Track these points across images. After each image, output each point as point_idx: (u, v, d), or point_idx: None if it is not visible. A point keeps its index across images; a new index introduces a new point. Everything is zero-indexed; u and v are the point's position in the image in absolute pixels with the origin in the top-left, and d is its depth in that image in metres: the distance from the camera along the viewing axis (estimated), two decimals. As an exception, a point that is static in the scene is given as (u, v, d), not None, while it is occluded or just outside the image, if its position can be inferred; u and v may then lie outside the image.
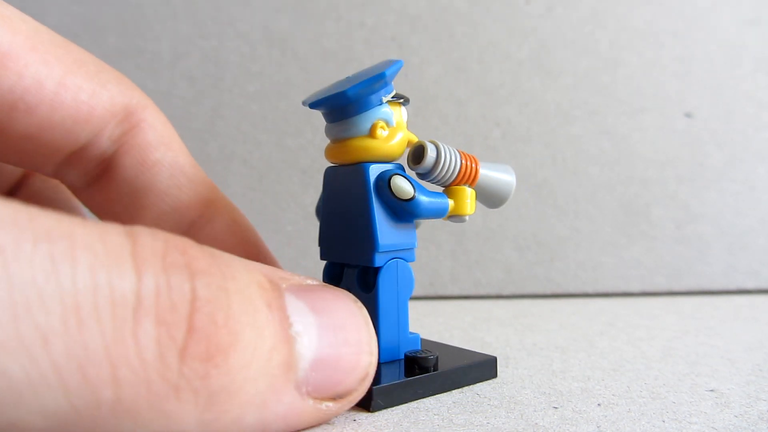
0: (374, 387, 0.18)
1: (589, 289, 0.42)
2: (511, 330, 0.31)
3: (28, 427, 0.10)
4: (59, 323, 0.10)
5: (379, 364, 0.20)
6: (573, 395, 0.20)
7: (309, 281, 0.16)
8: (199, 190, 0.22)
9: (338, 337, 0.15)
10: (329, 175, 0.23)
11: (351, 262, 0.22)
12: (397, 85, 0.22)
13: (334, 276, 0.23)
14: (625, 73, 0.43)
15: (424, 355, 0.21)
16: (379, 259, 0.21)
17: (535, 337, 0.29)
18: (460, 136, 0.42)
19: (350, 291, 0.21)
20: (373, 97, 0.21)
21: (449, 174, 0.22)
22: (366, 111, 0.21)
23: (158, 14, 0.41)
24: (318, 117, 0.43)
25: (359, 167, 0.21)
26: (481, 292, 0.43)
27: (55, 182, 0.23)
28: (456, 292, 0.42)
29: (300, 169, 0.42)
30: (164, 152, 0.21)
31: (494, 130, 0.42)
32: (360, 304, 0.17)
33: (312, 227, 0.41)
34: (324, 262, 0.23)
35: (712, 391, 0.21)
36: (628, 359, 0.25)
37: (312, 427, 0.14)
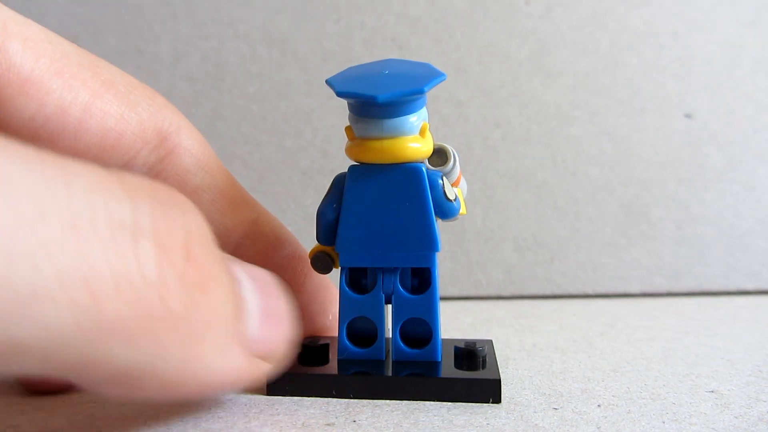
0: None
1: (589, 290, 0.42)
2: (511, 331, 0.31)
3: (30, 343, 0.10)
4: (60, 235, 0.10)
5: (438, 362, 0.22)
6: (573, 396, 0.20)
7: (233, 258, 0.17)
8: (242, 212, 0.21)
9: (270, 303, 0.16)
10: (358, 174, 0.21)
11: (394, 264, 0.21)
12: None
13: (358, 281, 0.22)
14: (625, 74, 0.43)
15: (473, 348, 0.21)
16: (434, 260, 0.22)
17: (535, 338, 0.29)
18: (460, 137, 0.42)
19: (387, 295, 0.22)
20: (425, 97, 0.21)
21: (455, 175, 0.22)
22: (419, 110, 0.21)
23: (158, 15, 0.41)
24: (318, 117, 0.43)
25: (412, 167, 0.21)
26: (481, 293, 0.43)
27: None
28: (456, 293, 0.42)
29: (300, 170, 0.42)
30: (203, 177, 0.20)
31: (494, 130, 0.42)
32: (280, 279, 0.17)
33: (313, 228, 0.41)
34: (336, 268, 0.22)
35: (712, 392, 0.21)
36: (628, 360, 0.25)
37: (246, 383, 0.15)
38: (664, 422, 0.18)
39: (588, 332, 0.31)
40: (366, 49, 0.43)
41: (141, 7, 0.41)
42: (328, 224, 0.21)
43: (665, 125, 0.43)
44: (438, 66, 0.46)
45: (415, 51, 0.43)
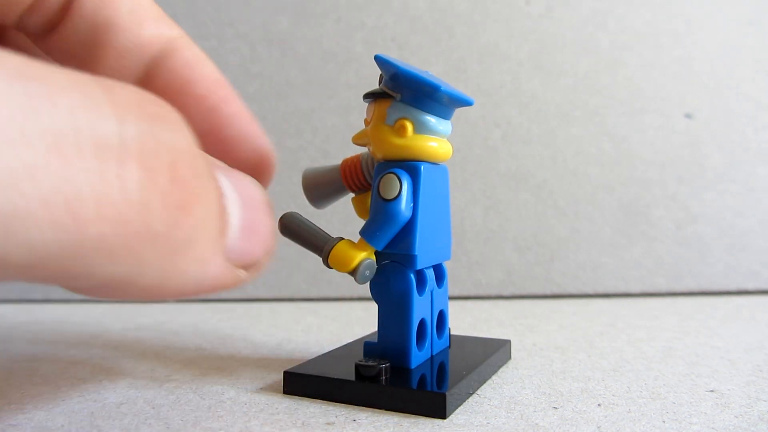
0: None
1: (589, 290, 0.42)
2: (511, 330, 0.31)
3: (14, 260, 0.10)
4: (44, 159, 0.10)
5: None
6: (573, 396, 0.20)
7: (220, 163, 0.17)
8: (159, 26, 0.21)
9: (253, 215, 0.16)
10: (428, 172, 0.20)
11: (440, 261, 0.22)
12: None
13: (422, 281, 0.21)
14: (625, 74, 0.43)
15: None
16: None
17: (535, 338, 0.29)
18: (460, 137, 0.42)
19: (430, 291, 0.22)
20: None
21: None
22: None
23: (158, 15, 0.41)
24: (318, 117, 0.43)
25: (444, 166, 0.22)
26: (482, 292, 0.43)
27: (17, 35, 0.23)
28: (456, 292, 0.42)
29: (300, 170, 0.42)
30: None
31: (494, 130, 0.42)
32: (263, 189, 0.17)
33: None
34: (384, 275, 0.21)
35: (712, 391, 0.21)
36: (628, 360, 0.25)
37: (226, 289, 0.16)
38: (664, 422, 0.18)
39: (588, 332, 0.31)
40: (366, 49, 0.43)
41: (141, 7, 0.41)
42: (403, 224, 0.20)
43: (665, 125, 0.43)
44: (438, 66, 0.46)
45: (415, 51, 0.43)
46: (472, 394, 0.21)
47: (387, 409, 0.19)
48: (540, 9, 0.43)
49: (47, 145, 0.10)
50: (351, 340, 0.29)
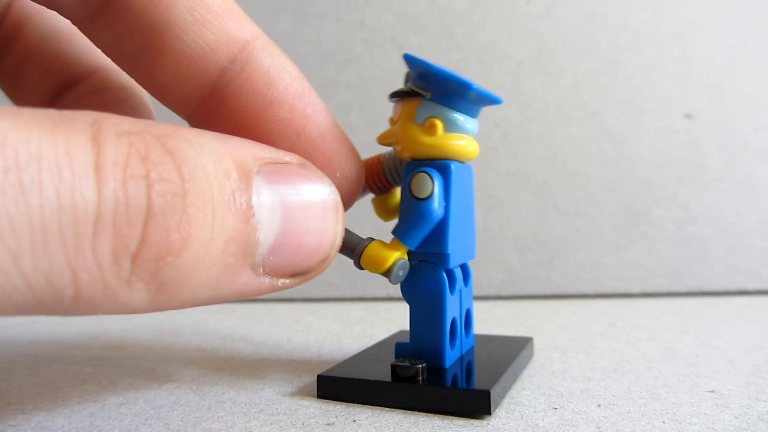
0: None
1: (590, 290, 0.42)
2: (511, 331, 0.31)
3: (3, 312, 0.12)
4: (28, 245, 0.11)
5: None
6: (573, 396, 0.20)
7: (287, 158, 0.16)
8: (229, 27, 0.17)
9: (302, 224, 0.15)
10: (458, 171, 0.20)
11: (467, 259, 0.22)
12: (397, 86, 0.21)
13: (452, 280, 0.21)
14: (625, 74, 0.43)
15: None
16: None
17: (535, 338, 0.29)
18: (460, 137, 0.42)
19: (459, 290, 0.22)
20: None
21: None
22: None
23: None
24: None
25: (470, 165, 0.22)
26: (482, 293, 0.43)
27: (51, 14, 0.21)
28: (456, 292, 0.42)
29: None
30: None
31: (494, 131, 0.42)
32: (334, 187, 0.16)
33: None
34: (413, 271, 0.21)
35: (712, 392, 0.21)
36: (628, 360, 0.25)
37: (264, 294, 0.15)
38: (664, 422, 0.18)
39: (588, 332, 0.31)
40: (366, 49, 0.43)
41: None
42: (436, 223, 0.20)
43: (665, 125, 0.43)
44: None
45: (415, 51, 0.43)
46: (509, 391, 0.21)
47: (426, 411, 0.19)
48: (540, 9, 0.43)
49: (32, 233, 0.11)
50: (352, 341, 0.29)
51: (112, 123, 0.13)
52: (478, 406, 0.18)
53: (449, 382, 0.19)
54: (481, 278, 0.42)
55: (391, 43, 0.43)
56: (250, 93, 0.18)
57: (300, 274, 0.16)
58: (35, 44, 0.22)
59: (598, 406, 0.19)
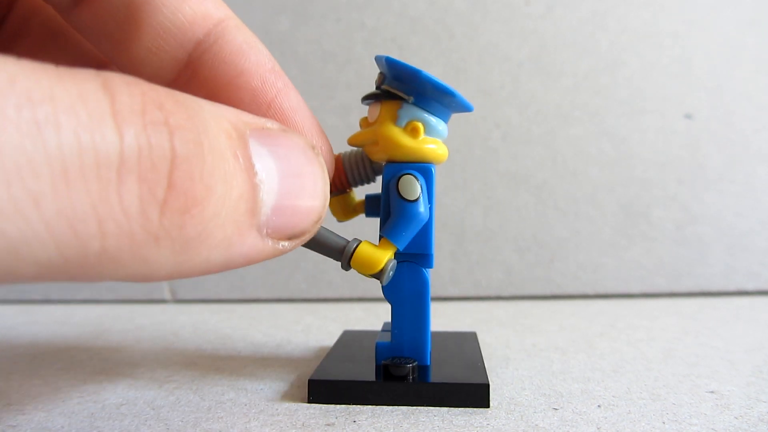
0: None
1: (589, 291, 0.42)
2: (511, 331, 0.31)
3: (24, 274, 0.11)
4: (49, 186, 0.10)
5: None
6: (573, 396, 0.20)
7: (269, 124, 0.16)
8: (207, 4, 0.19)
9: (296, 184, 0.16)
10: (432, 174, 0.21)
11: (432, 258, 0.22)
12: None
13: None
14: (625, 75, 0.43)
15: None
16: None
17: (535, 339, 0.29)
18: (460, 138, 0.42)
19: None
20: None
21: None
22: None
23: (158, 15, 0.41)
24: (318, 118, 0.43)
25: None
26: (481, 293, 0.43)
27: (42, 6, 0.21)
28: (456, 293, 0.42)
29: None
30: None
31: (494, 131, 0.42)
32: (317, 150, 0.17)
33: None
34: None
35: (712, 392, 0.21)
36: (628, 360, 0.25)
37: (267, 259, 0.16)
38: (664, 423, 0.18)
39: (588, 332, 0.31)
40: (366, 49, 0.43)
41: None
42: (423, 223, 0.20)
43: (665, 126, 0.43)
44: (438, 66, 0.46)
45: (415, 51, 0.43)
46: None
47: (425, 406, 0.20)
48: (540, 9, 0.43)
49: (52, 173, 0.10)
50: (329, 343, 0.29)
51: (118, 75, 0.12)
52: (478, 398, 0.19)
53: (443, 378, 0.20)
54: (481, 278, 0.42)
55: (391, 43, 0.43)
56: (222, 63, 0.19)
57: (297, 236, 0.16)
58: (42, 39, 0.22)
59: (598, 406, 0.19)
